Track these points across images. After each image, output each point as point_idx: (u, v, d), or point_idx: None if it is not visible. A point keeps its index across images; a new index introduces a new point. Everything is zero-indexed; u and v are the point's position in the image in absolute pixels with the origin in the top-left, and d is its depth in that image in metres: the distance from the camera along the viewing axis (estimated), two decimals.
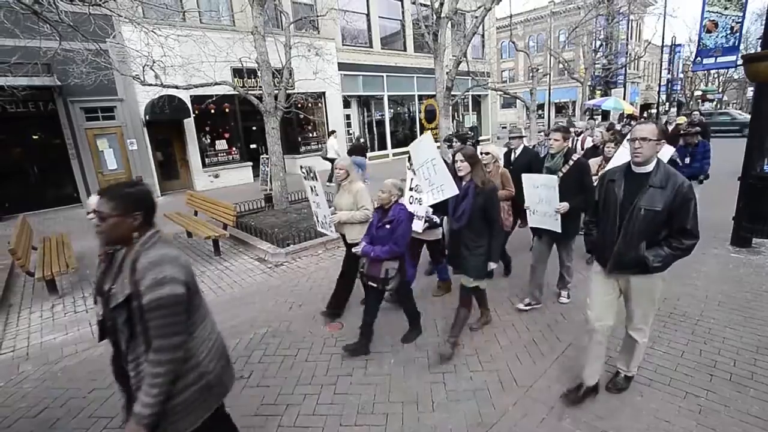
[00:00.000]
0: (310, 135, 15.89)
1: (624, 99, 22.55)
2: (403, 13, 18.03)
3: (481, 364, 3.14)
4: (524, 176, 3.77)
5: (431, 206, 3.64)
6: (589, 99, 20.38)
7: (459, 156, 3.16)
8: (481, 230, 3.10)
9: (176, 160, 12.97)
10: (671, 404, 2.59)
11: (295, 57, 8.82)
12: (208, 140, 13.16)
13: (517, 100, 14.65)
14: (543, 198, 3.62)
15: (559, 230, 3.60)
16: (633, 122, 14.09)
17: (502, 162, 4.55)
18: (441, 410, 2.68)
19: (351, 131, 16.92)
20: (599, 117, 24.25)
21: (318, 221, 4.16)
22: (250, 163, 13.72)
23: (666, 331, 3.43)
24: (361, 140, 14.89)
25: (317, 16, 11.06)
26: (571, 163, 3.68)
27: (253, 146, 14.14)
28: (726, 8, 6.73)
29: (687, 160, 5.81)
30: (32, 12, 5.17)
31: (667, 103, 32.23)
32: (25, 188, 10.50)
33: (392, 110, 18.78)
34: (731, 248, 5.22)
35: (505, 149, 5.00)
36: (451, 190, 3.20)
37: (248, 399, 2.89)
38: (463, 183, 3.18)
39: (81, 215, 10.14)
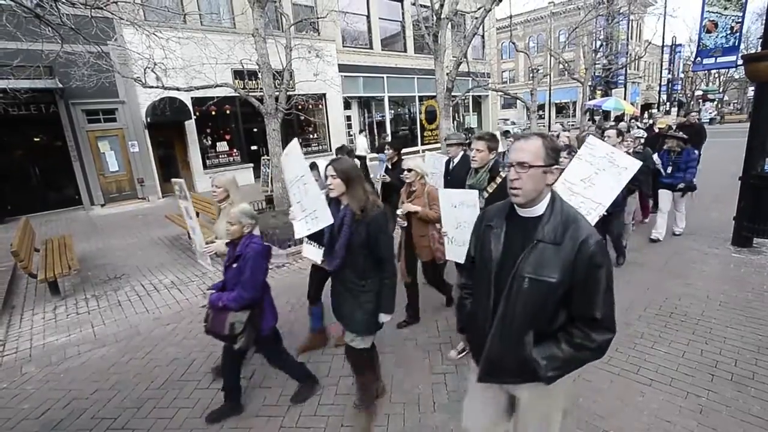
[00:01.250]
0: (311, 136, 15.91)
1: (624, 99, 22.55)
2: (403, 14, 18.06)
3: None
4: (440, 192, 3.12)
5: (309, 237, 2.57)
6: (589, 99, 20.36)
7: (329, 170, 2.31)
8: (366, 271, 2.33)
9: (177, 162, 13.00)
10: (672, 404, 2.59)
11: (295, 59, 8.84)
12: (209, 142, 13.19)
13: (518, 101, 14.64)
14: (462, 221, 2.91)
15: None
16: (635, 122, 14.01)
17: (435, 176, 4.14)
18: (442, 411, 2.68)
19: (351, 132, 16.95)
20: (599, 117, 24.24)
21: (196, 251, 3.54)
22: (251, 165, 13.75)
23: (667, 331, 3.44)
24: (386, 138, 15.61)
25: (317, 17, 11.07)
26: (498, 180, 2.99)
27: (254, 148, 14.16)
28: (726, 8, 6.73)
29: (669, 170, 5.50)
30: (34, 15, 5.19)
31: (668, 103, 32.22)
32: (27, 190, 10.54)
33: (393, 111, 18.80)
34: (732, 248, 5.22)
35: (446, 157, 4.35)
36: (326, 218, 2.32)
37: (250, 400, 2.90)
38: (340, 208, 2.36)
39: (83, 217, 10.18)
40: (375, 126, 18.22)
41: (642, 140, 5.96)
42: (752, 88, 31.21)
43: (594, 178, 2.93)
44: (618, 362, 3.04)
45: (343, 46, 15.97)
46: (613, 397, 2.68)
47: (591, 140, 3.07)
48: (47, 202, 10.77)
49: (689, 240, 5.61)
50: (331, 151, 15.93)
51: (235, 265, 2.54)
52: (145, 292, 5.09)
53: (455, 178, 3.92)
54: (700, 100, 38.95)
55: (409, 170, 3.47)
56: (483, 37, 21.52)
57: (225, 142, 13.51)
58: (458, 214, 2.96)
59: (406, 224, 3.57)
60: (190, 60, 9.95)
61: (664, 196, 5.64)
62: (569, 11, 31.54)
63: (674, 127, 7.33)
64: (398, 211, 3.54)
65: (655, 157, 5.62)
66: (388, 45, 17.98)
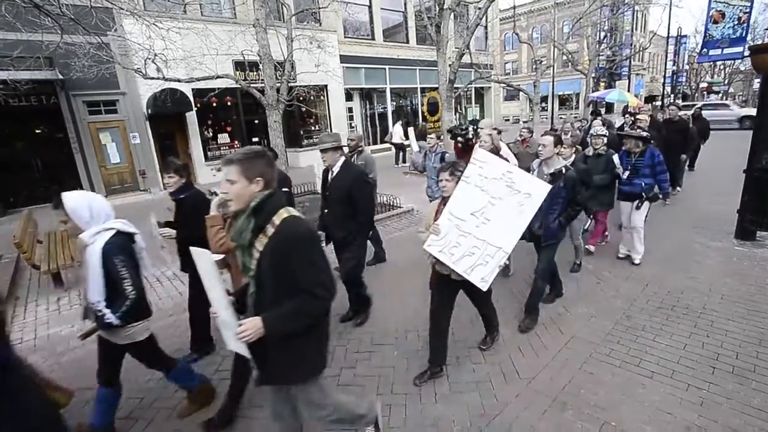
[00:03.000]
0: (313, 128, 15.85)
1: (628, 91, 22.36)
2: (405, 4, 17.84)
3: (484, 356, 3.16)
4: (193, 253, 1.71)
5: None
6: (593, 91, 20.20)
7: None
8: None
9: (179, 154, 12.97)
10: (673, 396, 2.60)
11: (296, 49, 8.76)
12: (211, 134, 13.16)
13: (520, 93, 14.55)
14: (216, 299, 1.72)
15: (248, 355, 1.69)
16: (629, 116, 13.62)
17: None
18: (444, 402, 2.70)
19: (353, 124, 16.87)
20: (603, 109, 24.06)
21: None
22: None
23: (669, 323, 3.44)
24: (421, 125, 15.65)
25: (319, 8, 10.95)
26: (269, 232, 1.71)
27: (255, 140, 14.11)
28: None
29: (626, 174, 4.52)
30: (33, 5, 5.16)
31: (672, 95, 31.93)
32: (29, 182, 10.55)
33: (394, 103, 18.68)
34: (735, 241, 5.19)
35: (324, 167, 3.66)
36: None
37: (253, 391, 2.91)
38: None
39: None
40: (376, 118, 18.12)
41: (605, 139, 4.80)
42: (758, 80, 30.72)
43: (489, 210, 2.34)
44: (619, 354, 3.05)
45: (345, 37, 15.82)
46: (615, 389, 2.69)
47: (480, 154, 2.42)
48: (49, 193, 10.79)
49: (692, 233, 5.58)
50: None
51: None
52: (147, 283, 5.09)
53: (336, 192, 3.38)
54: (705, 92, 38.59)
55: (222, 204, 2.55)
56: (486, 27, 21.30)
57: (226, 134, 13.46)
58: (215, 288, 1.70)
59: None
60: (191, 51, 9.88)
61: (623, 207, 4.72)
62: (574, 1, 31.14)
63: (640, 120, 6.23)
64: None
65: (616, 158, 4.67)
66: (390, 36, 17.80)
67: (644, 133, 4.68)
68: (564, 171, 3.35)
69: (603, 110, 23.27)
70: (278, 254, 1.61)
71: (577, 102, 33.92)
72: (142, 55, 7.20)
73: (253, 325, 1.59)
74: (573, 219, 3.52)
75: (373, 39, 16.91)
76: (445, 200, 2.62)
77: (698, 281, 4.17)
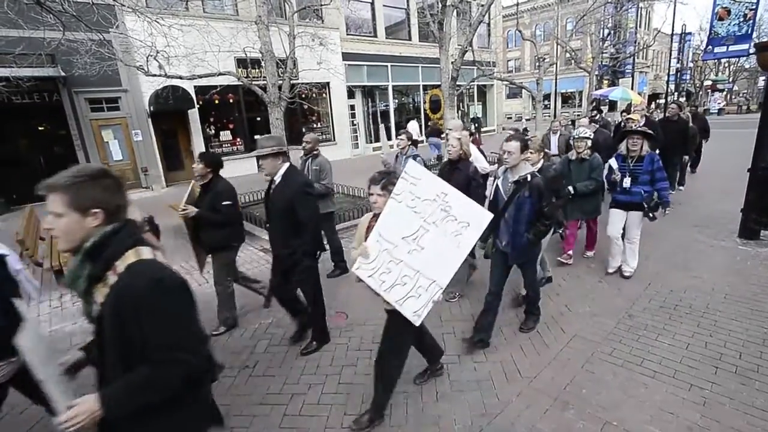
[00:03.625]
0: (315, 126, 15.83)
1: (632, 89, 22.22)
2: (407, 1, 17.78)
3: (485, 355, 3.15)
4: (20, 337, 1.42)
5: None
6: (596, 89, 20.08)
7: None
8: None
9: (181, 151, 12.99)
10: (675, 396, 2.59)
11: (299, 47, 8.73)
12: (213, 131, 13.17)
13: (523, 90, 14.47)
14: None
15: None
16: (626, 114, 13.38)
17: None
18: (445, 400, 2.70)
19: (355, 122, 16.84)
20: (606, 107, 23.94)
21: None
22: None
23: (671, 323, 3.42)
24: (439, 122, 15.63)
25: (321, 5, 10.90)
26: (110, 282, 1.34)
27: (257, 137, 14.12)
28: None
29: (628, 182, 4.05)
30: (36, 2, 5.15)
31: (676, 93, 31.74)
32: (32, 179, 10.37)
33: (397, 100, 18.64)
34: (739, 240, 5.16)
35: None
36: None
37: (253, 388, 2.92)
38: None
39: None
40: (378, 115, 18.09)
41: (588, 142, 4.34)
42: (763, 78, 30.70)
43: (423, 237, 2.02)
44: (621, 354, 3.04)
45: (347, 34, 15.78)
46: (616, 389, 2.68)
47: (412, 168, 2.07)
48: None
49: (695, 232, 5.55)
50: (334, 140, 15.87)
51: None
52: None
53: (277, 203, 3.03)
54: (709, 90, 38.33)
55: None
56: (489, 25, 21.21)
57: (228, 131, 13.48)
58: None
59: None
60: (193, 48, 9.85)
61: (615, 216, 4.27)
62: None
63: (633, 120, 5.93)
64: None
65: (613, 162, 4.20)
66: (393, 33, 17.74)
67: (649, 130, 4.20)
68: (529, 178, 2.95)
69: (606, 108, 23.19)
70: (121, 310, 1.21)
71: (581, 100, 33.77)
72: (144, 52, 7.19)
73: (86, 408, 1.19)
74: (544, 235, 3.14)
75: (376, 36, 16.86)
76: (377, 216, 2.26)
77: (701, 280, 4.15)
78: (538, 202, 2.94)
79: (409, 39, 18.16)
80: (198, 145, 12.61)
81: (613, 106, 25.27)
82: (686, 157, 7.03)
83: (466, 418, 2.53)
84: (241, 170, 13.40)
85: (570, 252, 4.74)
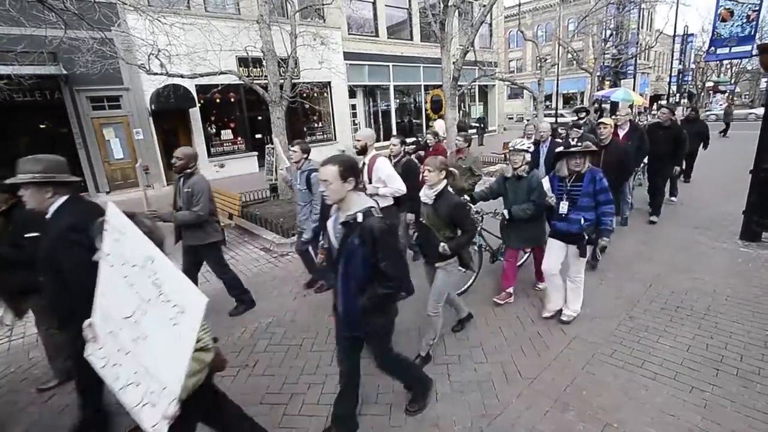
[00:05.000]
0: (316, 125, 15.83)
1: (634, 90, 22.18)
2: (409, 1, 17.77)
3: (486, 356, 3.15)
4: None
5: None
6: (597, 90, 20.05)
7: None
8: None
9: None
10: (676, 398, 2.58)
11: (300, 46, 8.73)
12: (214, 130, 13.17)
13: (525, 91, 14.43)
14: None
15: None
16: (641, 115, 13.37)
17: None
18: (445, 401, 2.69)
19: (356, 122, 16.83)
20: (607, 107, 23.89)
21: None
22: (256, 153, 13.72)
23: (672, 325, 3.41)
24: (465, 120, 16.17)
25: (323, 4, 10.89)
26: None
27: (258, 136, 14.12)
28: None
29: (564, 207, 3.34)
30: (38, 0, 5.16)
31: (678, 94, 31.67)
32: None
33: (398, 100, 18.64)
34: (741, 242, 5.15)
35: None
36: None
37: (253, 388, 2.92)
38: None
39: None
40: (380, 115, 18.08)
41: (526, 157, 3.51)
42: (765, 79, 30.55)
43: (143, 320, 1.39)
44: (622, 356, 3.03)
45: (349, 34, 15.77)
46: (617, 391, 2.68)
47: (113, 215, 1.46)
48: None
49: (696, 234, 5.54)
50: (335, 140, 15.85)
51: None
52: None
53: (42, 253, 2.10)
54: (711, 92, 38.25)
55: None
56: (491, 25, 21.19)
57: (229, 130, 13.47)
58: None
59: None
60: (195, 47, 9.84)
61: (553, 248, 3.49)
62: None
63: (604, 126, 4.69)
64: None
65: (546, 182, 3.53)
66: (394, 33, 17.73)
67: (592, 146, 3.40)
68: (360, 218, 2.01)
69: (608, 107, 23.14)
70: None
71: (582, 100, 33.71)
72: (145, 50, 7.19)
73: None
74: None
75: (377, 36, 16.85)
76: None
77: (703, 282, 4.14)
78: (371, 253, 2.01)
79: (411, 39, 18.15)
80: (199, 144, 12.60)
81: (614, 107, 25.22)
82: (677, 168, 6.25)
83: (466, 419, 2.52)
84: (241, 169, 13.43)
85: (510, 290, 3.89)
